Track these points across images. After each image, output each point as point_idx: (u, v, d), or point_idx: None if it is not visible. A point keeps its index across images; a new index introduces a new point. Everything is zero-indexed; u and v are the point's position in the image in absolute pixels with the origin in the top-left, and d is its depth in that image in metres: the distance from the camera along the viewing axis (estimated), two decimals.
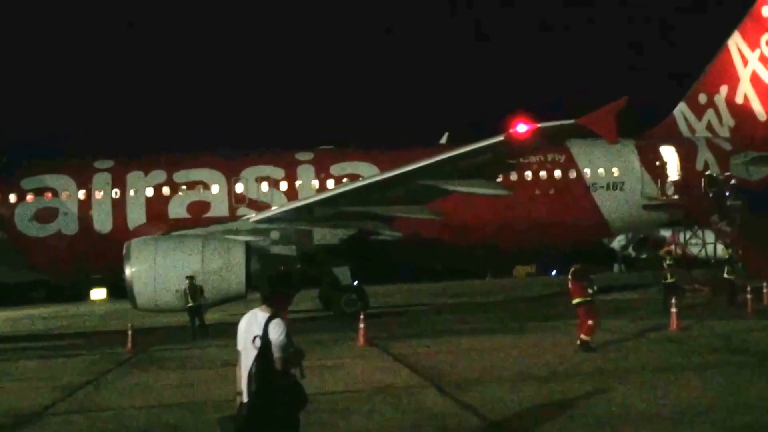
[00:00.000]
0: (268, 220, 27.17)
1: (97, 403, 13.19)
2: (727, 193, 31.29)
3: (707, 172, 31.93)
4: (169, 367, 17.64)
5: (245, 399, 6.49)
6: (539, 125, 21.25)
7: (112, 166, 30.25)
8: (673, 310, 19.99)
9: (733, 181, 31.96)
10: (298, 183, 30.54)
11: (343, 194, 26.13)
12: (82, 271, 30.94)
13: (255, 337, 6.44)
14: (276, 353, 6.40)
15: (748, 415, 9.96)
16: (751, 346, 16.16)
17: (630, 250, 66.67)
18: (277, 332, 6.41)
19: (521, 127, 21.12)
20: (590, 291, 16.76)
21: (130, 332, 21.67)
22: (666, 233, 47.87)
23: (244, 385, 6.52)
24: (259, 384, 6.37)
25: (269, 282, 6.79)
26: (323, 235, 27.48)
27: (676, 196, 31.65)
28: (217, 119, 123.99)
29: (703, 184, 31.65)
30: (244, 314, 6.89)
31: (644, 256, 62.32)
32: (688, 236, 36.68)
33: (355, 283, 29.24)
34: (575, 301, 16.87)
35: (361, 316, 20.05)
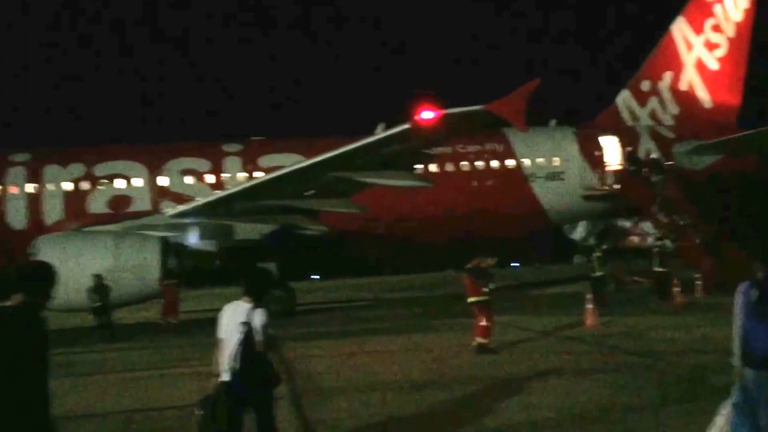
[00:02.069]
0: (186, 214, 25.96)
1: None
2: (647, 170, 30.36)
3: (628, 149, 31.08)
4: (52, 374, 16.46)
5: (226, 378, 7.27)
6: (445, 112, 20.23)
7: (28, 159, 28.96)
8: (589, 306, 19.09)
9: (653, 156, 31.10)
10: (225, 176, 29.42)
11: (253, 187, 24.97)
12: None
13: (239, 323, 7.28)
14: (258, 337, 7.30)
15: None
16: (655, 346, 15.25)
17: (591, 241, 65.94)
18: (260, 320, 7.32)
19: (427, 114, 20.08)
20: (486, 289, 15.75)
21: None
22: (626, 223, 47.03)
23: (223, 367, 7.32)
24: (242, 365, 7.22)
25: (252, 278, 7.72)
26: (244, 230, 26.39)
27: (616, 186, 30.80)
28: (145, 112, 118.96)
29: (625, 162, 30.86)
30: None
31: (605, 247, 61.60)
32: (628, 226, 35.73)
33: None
34: (470, 299, 15.88)
35: None
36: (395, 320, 23.50)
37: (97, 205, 28.53)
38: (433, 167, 30.35)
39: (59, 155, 29.26)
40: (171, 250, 25.68)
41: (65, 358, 19.15)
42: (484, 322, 15.46)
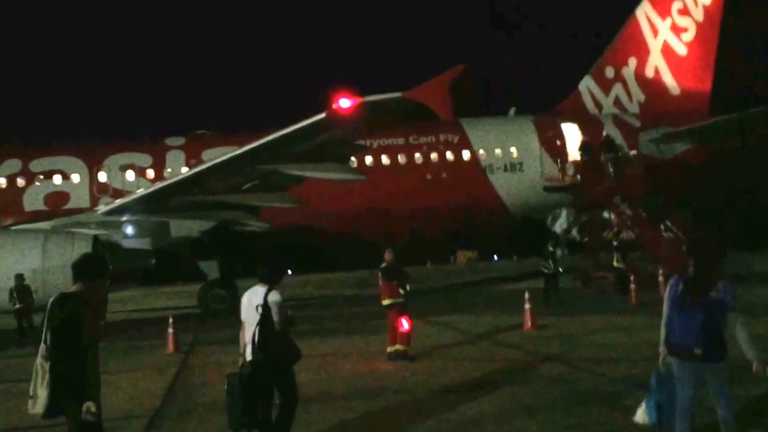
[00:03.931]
0: (119, 211, 24.67)
1: None
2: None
3: (584, 138, 29.83)
4: None
5: (249, 358, 8.02)
6: (363, 99, 18.99)
7: None
8: (528, 306, 17.87)
9: (605, 134, 29.92)
10: (167, 171, 28.17)
11: (181, 181, 23.70)
12: None
13: (257, 306, 8.03)
14: (275, 317, 8.06)
15: None
16: (584, 353, 14.04)
17: (575, 233, 64.60)
18: (276, 301, 8.12)
19: (344, 102, 18.84)
20: (402, 291, 14.48)
21: None
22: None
23: (248, 347, 8.08)
24: (262, 343, 7.89)
25: (269, 267, 8.41)
26: (181, 228, 25.14)
27: (577, 177, 29.60)
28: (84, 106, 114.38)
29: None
30: None
31: (587, 239, 60.29)
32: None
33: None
34: (385, 302, 14.62)
35: (170, 320, 17.71)
36: (335, 321, 22.25)
37: (33, 202, 27.30)
38: (384, 159, 29.26)
39: None
40: (104, 249, 24.43)
41: None
42: (402, 328, 14.23)
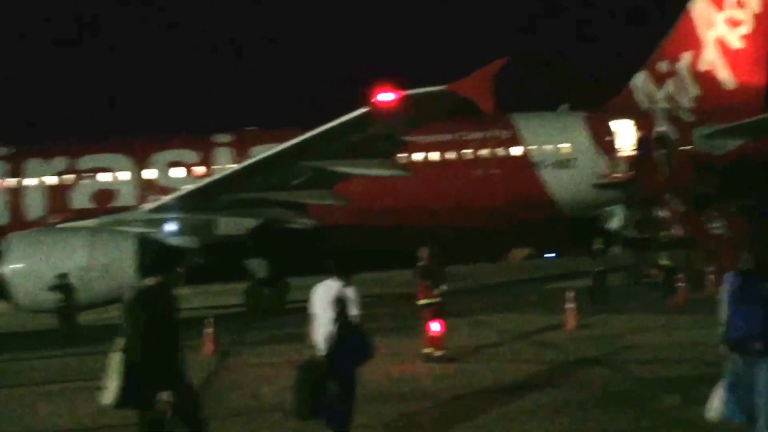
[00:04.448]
0: (165, 208, 24.75)
1: None
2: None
3: (641, 133, 29.03)
4: None
5: (322, 350, 8.14)
6: (406, 93, 18.65)
7: (10, 154, 28.06)
8: (570, 305, 17.38)
9: (658, 129, 29.08)
10: (215, 168, 28.15)
11: (224, 179, 23.65)
12: None
13: (333, 300, 8.09)
14: (353, 311, 8.32)
15: None
16: (624, 355, 13.56)
17: (630, 230, 63.24)
18: (352, 296, 8.36)
19: (386, 96, 18.54)
20: (437, 291, 14.11)
21: None
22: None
23: (319, 339, 8.25)
24: (338, 339, 7.97)
25: (340, 260, 8.76)
26: (227, 225, 25.12)
27: (629, 173, 28.86)
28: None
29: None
30: None
31: (646, 236, 58.84)
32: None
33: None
34: (420, 302, 14.27)
35: (210, 320, 17.55)
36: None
37: (81, 199, 27.54)
38: (433, 155, 28.88)
39: (42, 149, 28.35)
40: (148, 247, 24.53)
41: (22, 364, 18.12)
42: (431, 331, 13.87)
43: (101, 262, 23.41)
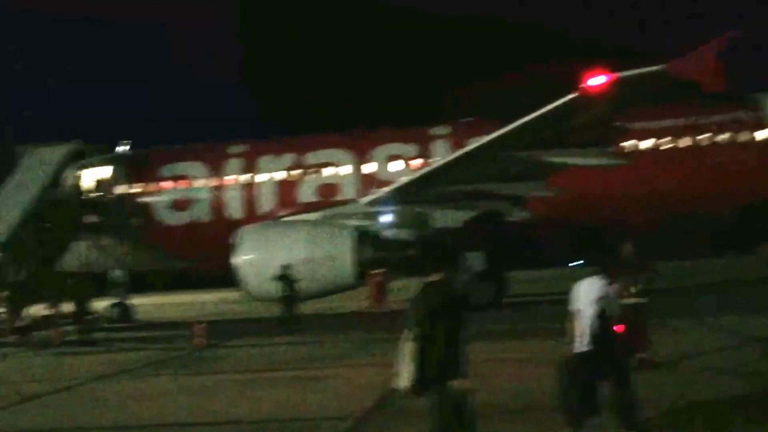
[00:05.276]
0: (381, 201, 25.08)
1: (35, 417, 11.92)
2: None
3: None
4: (199, 369, 16.19)
5: (584, 347, 8.09)
6: (619, 75, 17.33)
7: (243, 151, 29.61)
8: None
9: None
10: (432, 160, 28.09)
11: (434, 172, 23.42)
12: (218, 259, 30.44)
13: (597, 298, 8.12)
14: (616, 311, 8.42)
15: None
16: None
17: None
18: (614, 294, 8.46)
19: (597, 80, 17.34)
20: (633, 290, 12.85)
21: (201, 325, 20.49)
22: None
23: (578, 337, 8.14)
24: (599, 336, 8.00)
25: (609, 258, 9.34)
26: (443, 217, 24.98)
27: None
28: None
29: None
30: None
31: None
32: None
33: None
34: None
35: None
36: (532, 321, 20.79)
37: (307, 194, 28.51)
38: (662, 142, 27.08)
39: (272, 145, 29.68)
40: (367, 239, 24.97)
41: (225, 351, 19.02)
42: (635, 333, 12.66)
43: (320, 255, 24.17)
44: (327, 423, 10.12)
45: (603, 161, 22.34)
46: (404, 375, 6.79)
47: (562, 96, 19.18)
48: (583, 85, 18.05)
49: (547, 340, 14.84)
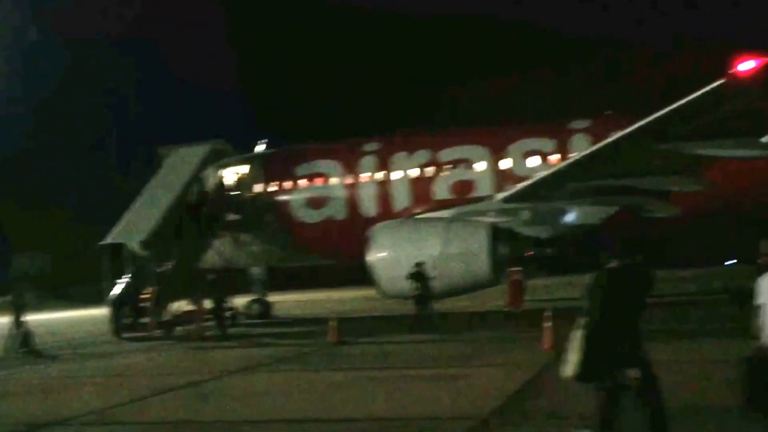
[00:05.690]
0: (517, 198, 24.39)
1: (160, 410, 12.12)
2: None
3: None
4: (330, 365, 16.15)
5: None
6: None
7: (378, 149, 29.52)
8: None
9: None
10: (571, 155, 27.13)
11: (573, 166, 22.49)
12: (353, 256, 30.47)
13: None
14: None
15: None
16: None
17: None
18: None
19: (747, 65, 16.11)
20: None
21: (334, 322, 20.47)
22: None
23: (764, 332, 7.48)
24: None
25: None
26: (581, 214, 24.10)
27: None
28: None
29: None
30: None
31: None
32: None
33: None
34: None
35: (548, 313, 16.63)
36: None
37: (442, 190, 28.10)
38: None
39: (405, 142, 29.42)
40: (502, 236, 24.39)
41: (357, 348, 18.88)
42: None
43: (455, 252, 23.79)
44: (450, 423, 9.77)
45: (756, 153, 20.93)
46: (570, 362, 6.84)
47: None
48: (732, 71, 16.89)
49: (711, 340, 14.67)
